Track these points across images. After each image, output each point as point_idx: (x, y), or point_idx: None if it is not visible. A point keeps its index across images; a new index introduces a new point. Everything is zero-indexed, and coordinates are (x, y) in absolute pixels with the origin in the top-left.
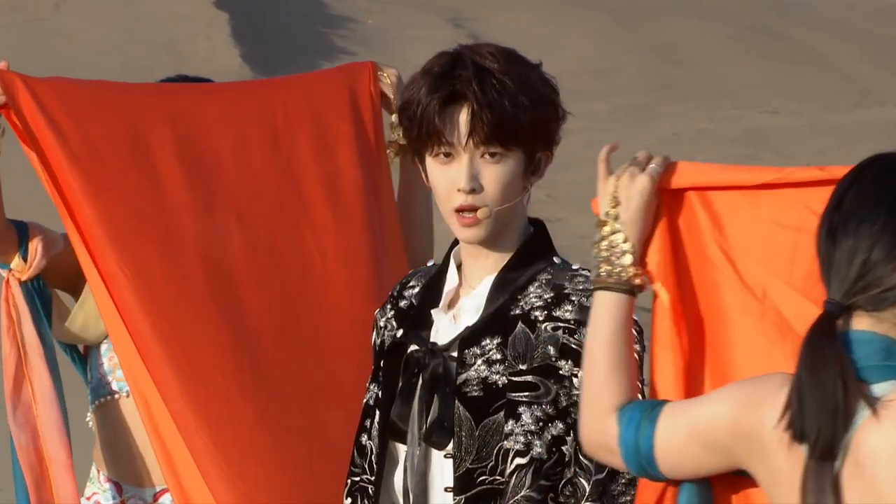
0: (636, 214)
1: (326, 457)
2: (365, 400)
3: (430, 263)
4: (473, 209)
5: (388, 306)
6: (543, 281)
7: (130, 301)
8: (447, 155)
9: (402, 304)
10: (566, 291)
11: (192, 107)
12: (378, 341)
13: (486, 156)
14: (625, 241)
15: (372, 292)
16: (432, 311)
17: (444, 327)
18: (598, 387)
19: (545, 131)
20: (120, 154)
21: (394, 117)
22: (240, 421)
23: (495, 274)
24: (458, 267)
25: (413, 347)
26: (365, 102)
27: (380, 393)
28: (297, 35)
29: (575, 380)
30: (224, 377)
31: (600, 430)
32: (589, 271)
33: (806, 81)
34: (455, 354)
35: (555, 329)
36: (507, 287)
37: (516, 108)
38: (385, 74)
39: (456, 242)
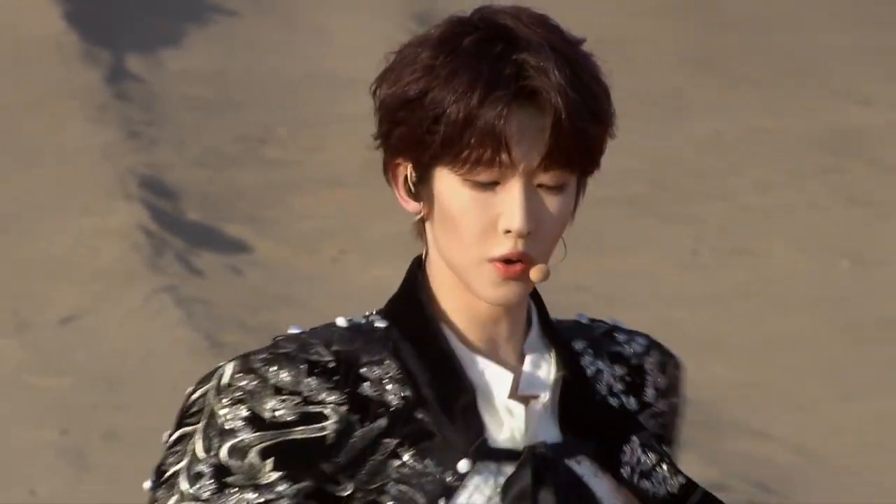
0: None
1: None
2: None
3: (342, 322)
4: (524, 259)
5: (317, 389)
6: (587, 350)
7: None
8: (491, 182)
9: (373, 391)
10: (633, 362)
11: None
12: (321, 435)
13: (547, 184)
14: None
15: None
16: (508, 402)
17: (544, 424)
18: None
19: (605, 144)
20: None
21: None
22: None
23: (539, 344)
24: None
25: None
26: None
27: None
28: None
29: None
30: None
31: None
32: (605, 322)
33: None
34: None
35: (652, 416)
36: (571, 362)
37: (595, 117)
38: None
39: (411, 281)
